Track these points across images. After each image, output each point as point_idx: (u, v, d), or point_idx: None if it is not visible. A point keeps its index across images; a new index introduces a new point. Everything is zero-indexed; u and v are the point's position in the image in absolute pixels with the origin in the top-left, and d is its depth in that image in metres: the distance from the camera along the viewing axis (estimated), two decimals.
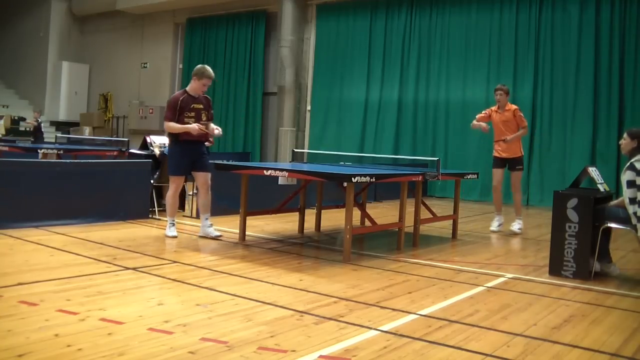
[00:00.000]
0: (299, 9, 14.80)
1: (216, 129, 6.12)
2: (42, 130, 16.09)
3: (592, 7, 11.36)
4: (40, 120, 16.23)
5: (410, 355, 3.01)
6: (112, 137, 17.55)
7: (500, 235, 7.60)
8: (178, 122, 5.89)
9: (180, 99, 5.90)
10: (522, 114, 7.60)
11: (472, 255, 6.04)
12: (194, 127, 5.83)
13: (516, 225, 7.61)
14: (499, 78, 12.33)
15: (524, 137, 7.81)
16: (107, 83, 19.83)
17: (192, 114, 5.93)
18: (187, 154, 6.01)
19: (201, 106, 6.01)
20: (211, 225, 6.20)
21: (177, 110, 5.87)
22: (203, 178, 6.11)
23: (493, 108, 7.74)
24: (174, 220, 6.21)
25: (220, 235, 6.16)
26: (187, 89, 6.01)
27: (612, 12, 11.19)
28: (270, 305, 3.77)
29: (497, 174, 7.67)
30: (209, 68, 5.99)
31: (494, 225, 7.79)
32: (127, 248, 5.46)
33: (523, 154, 7.79)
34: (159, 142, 8.49)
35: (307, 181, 6.61)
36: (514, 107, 7.62)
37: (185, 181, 7.75)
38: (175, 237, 6.10)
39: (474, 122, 7.71)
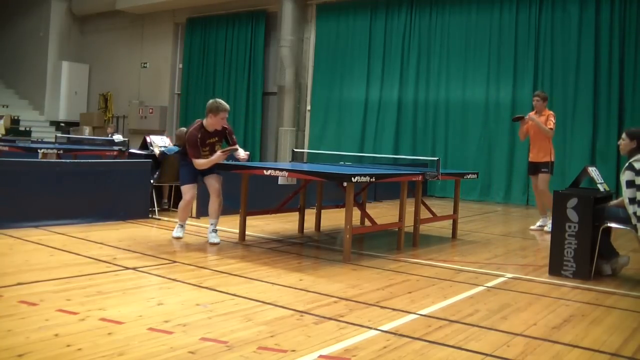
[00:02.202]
0: (299, 9, 14.80)
1: (243, 154, 6.01)
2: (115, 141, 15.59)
3: (592, 7, 11.36)
4: (113, 134, 15.85)
5: (410, 355, 3.01)
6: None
7: (501, 235, 7.62)
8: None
9: (199, 136, 5.81)
10: (553, 119, 7.76)
11: (472, 255, 6.04)
12: (218, 156, 5.79)
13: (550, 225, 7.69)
14: (499, 78, 12.36)
15: (534, 139, 7.88)
16: (107, 83, 19.84)
17: (207, 148, 5.87)
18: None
19: (215, 139, 5.94)
20: (214, 231, 6.02)
21: (200, 146, 5.80)
22: (213, 180, 5.97)
23: (531, 113, 7.92)
24: (183, 224, 6.19)
25: (217, 243, 5.92)
26: (204, 124, 5.85)
27: (612, 12, 11.19)
28: (270, 305, 3.77)
29: (533, 180, 8.01)
30: (222, 101, 5.87)
31: (535, 225, 8.14)
32: (127, 248, 5.46)
33: (551, 160, 7.76)
34: (159, 142, 8.49)
35: (307, 181, 6.61)
36: (550, 112, 7.82)
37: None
38: (180, 238, 6.09)
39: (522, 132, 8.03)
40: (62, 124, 19.39)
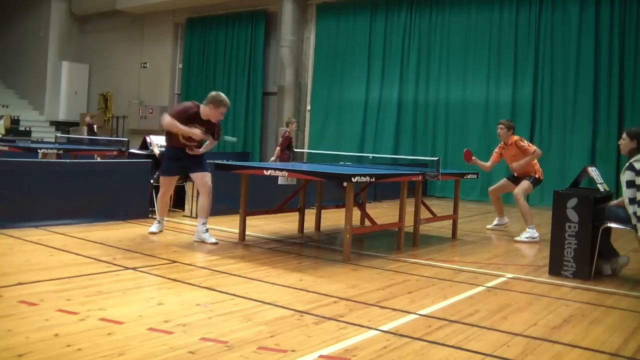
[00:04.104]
0: (299, 9, 14.80)
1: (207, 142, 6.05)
2: (94, 131, 15.62)
3: (592, 7, 11.37)
4: (91, 123, 15.88)
5: (410, 355, 3.01)
6: (112, 136, 17.55)
7: (500, 235, 7.61)
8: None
9: (191, 112, 5.76)
10: (524, 143, 7.34)
11: (472, 255, 6.04)
12: (196, 131, 5.70)
13: (523, 234, 7.13)
14: (499, 78, 12.36)
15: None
16: (107, 83, 19.84)
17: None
18: (178, 156, 5.91)
19: (204, 128, 5.85)
20: (207, 230, 5.93)
21: (184, 119, 5.70)
22: (200, 179, 5.92)
23: (501, 145, 7.63)
24: (161, 219, 6.38)
25: (217, 243, 5.85)
26: (201, 110, 5.79)
27: (612, 12, 11.20)
28: (270, 305, 3.77)
29: (501, 181, 7.76)
30: (225, 97, 5.81)
31: (491, 224, 8.06)
32: (127, 248, 5.45)
33: (536, 175, 7.36)
34: (159, 142, 8.49)
35: (307, 181, 6.61)
36: (515, 138, 7.42)
37: (185, 181, 7.76)
38: (154, 233, 6.23)
39: (476, 160, 7.50)
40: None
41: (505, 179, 7.77)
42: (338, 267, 5.11)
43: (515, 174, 7.49)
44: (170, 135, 5.93)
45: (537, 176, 7.39)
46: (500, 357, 3.03)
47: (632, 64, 10.97)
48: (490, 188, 7.90)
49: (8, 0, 20.80)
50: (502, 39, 12.39)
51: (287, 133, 11.01)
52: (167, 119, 5.71)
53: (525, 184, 7.32)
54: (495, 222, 8.00)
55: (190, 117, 5.77)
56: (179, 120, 5.71)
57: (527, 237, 7.03)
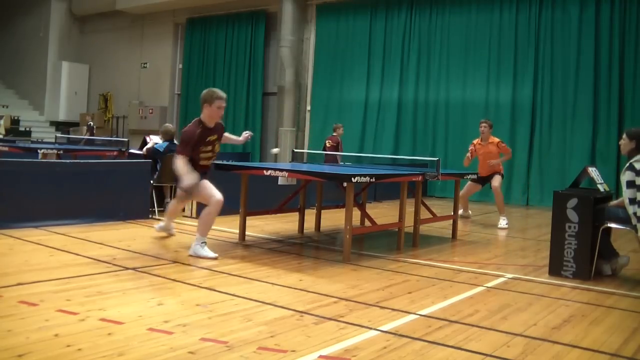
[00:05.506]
0: (299, 9, 14.81)
1: (245, 134, 6.03)
2: (93, 132, 15.67)
3: (592, 7, 11.38)
4: (91, 124, 15.95)
5: (410, 355, 3.01)
6: (112, 137, 17.56)
7: (501, 235, 7.63)
8: (193, 156, 5.20)
9: (198, 132, 5.19)
10: (505, 144, 8.33)
11: (472, 255, 6.04)
12: (193, 182, 5.00)
13: (503, 222, 8.12)
14: (499, 78, 12.36)
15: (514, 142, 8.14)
16: (107, 83, 19.85)
17: (209, 147, 5.33)
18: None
19: (215, 137, 5.38)
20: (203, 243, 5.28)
21: (192, 145, 5.18)
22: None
23: (475, 141, 8.27)
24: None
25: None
26: (202, 119, 5.27)
27: (612, 12, 11.21)
28: (270, 305, 3.77)
29: (468, 186, 8.37)
30: (216, 89, 5.33)
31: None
32: (127, 248, 5.45)
33: (502, 170, 8.37)
34: (157, 141, 8.49)
35: (307, 181, 6.61)
36: (497, 139, 8.21)
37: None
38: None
39: (467, 158, 8.22)
40: None
41: (470, 182, 8.32)
42: (338, 267, 5.11)
43: (485, 174, 8.20)
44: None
45: (502, 172, 8.35)
46: (500, 357, 3.03)
47: (632, 64, 10.98)
48: (461, 193, 8.11)
49: (8, 0, 20.80)
50: (502, 39, 12.40)
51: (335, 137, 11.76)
52: (178, 162, 5.08)
53: (500, 179, 8.18)
54: (460, 213, 8.25)
55: (200, 138, 5.21)
56: (189, 151, 5.17)
57: (506, 224, 8.05)
